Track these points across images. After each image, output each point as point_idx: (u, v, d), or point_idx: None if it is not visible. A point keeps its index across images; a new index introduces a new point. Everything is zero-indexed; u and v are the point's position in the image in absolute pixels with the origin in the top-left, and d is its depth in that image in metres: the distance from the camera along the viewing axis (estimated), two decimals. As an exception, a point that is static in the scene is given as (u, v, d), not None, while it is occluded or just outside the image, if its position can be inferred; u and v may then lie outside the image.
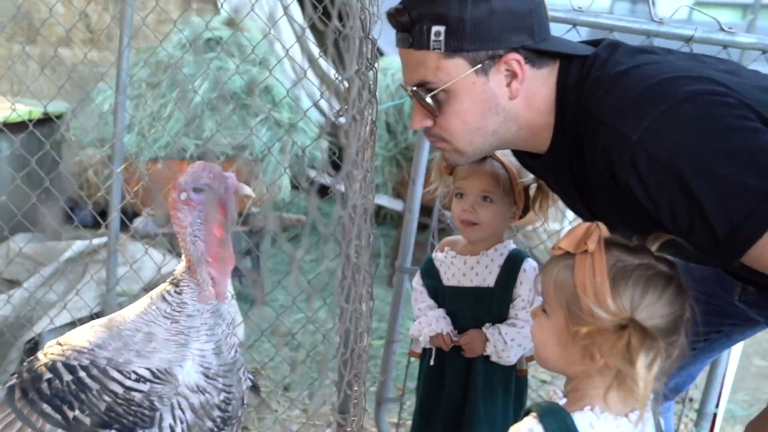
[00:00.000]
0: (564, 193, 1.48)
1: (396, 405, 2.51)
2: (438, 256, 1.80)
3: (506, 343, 1.68)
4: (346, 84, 1.12)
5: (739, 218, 1.12)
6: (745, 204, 1.11)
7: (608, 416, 1.11)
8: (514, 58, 1.29)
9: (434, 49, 1.28)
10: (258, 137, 3.15)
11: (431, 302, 1.78)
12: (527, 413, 1.14)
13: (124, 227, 2.53)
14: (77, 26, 4.51)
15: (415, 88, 1.33)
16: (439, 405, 1.76)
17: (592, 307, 1.06)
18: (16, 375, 1.43)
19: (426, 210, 2.60)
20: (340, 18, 1.06)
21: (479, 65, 1.28)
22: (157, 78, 3.27)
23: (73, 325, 2.27)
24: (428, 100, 1.32)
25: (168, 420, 1.32)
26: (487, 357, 1.70)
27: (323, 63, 4.34)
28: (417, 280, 1.82)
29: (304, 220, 3.45)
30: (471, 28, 1.26)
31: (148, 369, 1.33)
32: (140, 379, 1.32)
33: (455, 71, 1.29)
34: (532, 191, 1.71)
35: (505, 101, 1.32)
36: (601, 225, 1.11)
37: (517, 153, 1.54)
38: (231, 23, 3.69)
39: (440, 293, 1.77)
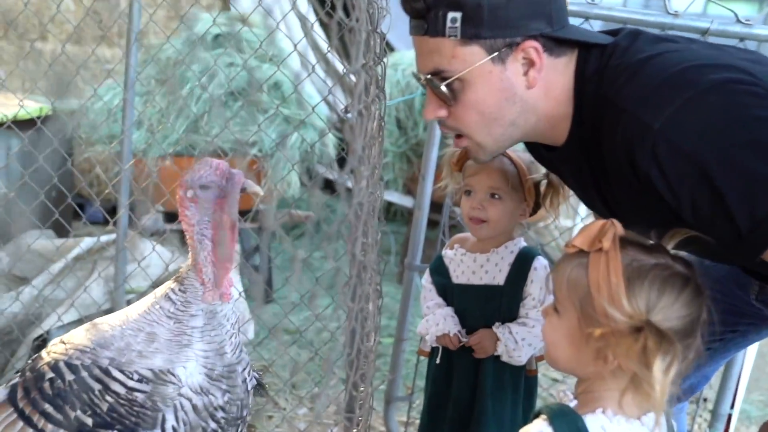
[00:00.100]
0: (580, 187, 1.44)
1: (405, 404, 2.49)
2: (447, 254, 1.77)
3: (517, 342, 1.65)
4: (353, 78, 1.10)
5: (763, 213, 1.08)
6: None
7: (621, 419, 1.08)
8: (532, 46, 1.25)
9: (450, 36, 1.24)
10: (266, 134, 3.13)
11: (440, 300, 1.75)
12: (537, 415, 1.12)
13: (134, 224, 2.52)
14: (88, 24, 4.51)
15: (429, 77, 1.29)
16: (447, 405, 1.74)
17: (606, 308, 1.03)
18: (19, 373, 1.42)
19: (437, 206, 2.57)
20: (347, 11, 1.04)
21: (496, 53, 1.25)
22: (165, 74, 3.26)
23: (80, 322, 2.26)
24: (443, 88, 1.28)
25: (171, 421, 1.30)
26: (497, 357, 1.67)
27: (332, 58, 4.31)
28: (426, 278, 1.80)
29: (313, 217, 3.43)
30: (488, 14, 1.22)
31: (151, 369, 1.32)
32: (143, 379, 1.31)
33: (471, 59, 1.25)
34: (542, 187, 1.68)
35: (522, 90, 1.28)
36: (616, 222, 1.08)
37: (532, 145, 1.50)
38: (240, 19, 3.67)
39: (449, 291, 1.75)
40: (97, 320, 1.43)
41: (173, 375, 1.32)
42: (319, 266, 3.68)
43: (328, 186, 4.42)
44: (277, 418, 2.55)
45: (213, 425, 1.36)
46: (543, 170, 1.67)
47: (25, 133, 2.47)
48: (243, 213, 2.64)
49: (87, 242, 2.74)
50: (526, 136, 1.37)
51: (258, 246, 3.31)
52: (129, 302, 2.32)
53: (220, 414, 1.37)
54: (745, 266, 1.39)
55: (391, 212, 4.59)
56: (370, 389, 1.42)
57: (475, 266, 1.71)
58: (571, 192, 1.67)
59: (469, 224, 1.69)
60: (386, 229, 4.31)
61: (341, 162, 3.57)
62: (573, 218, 3.69)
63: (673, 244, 1.10)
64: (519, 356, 1.66)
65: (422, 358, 1.92)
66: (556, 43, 1.27)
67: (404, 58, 4.24)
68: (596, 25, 1.86)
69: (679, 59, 1.19)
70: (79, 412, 1.30)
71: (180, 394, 1.32)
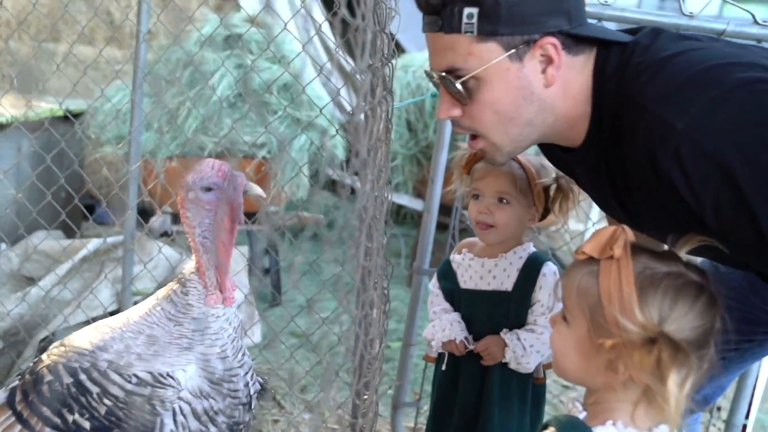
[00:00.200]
0: (596, 190, 1.39)
1: (413, 409, 2.46)
2: (455, 258, 1.74)
3: (525, 349, 1.62)
4: (359, 79, 1.07)
5: None
6: None
7: (632, 431, 1.04)
8: (551, 43, 1.21)
9: (466, 32, 1.20)
10: (274, 135, 3.11)
11: (447, 305, 1.73)
12: (545, 427, 1.08)
13: (141, 226, 2.51)
14: (100, 25, 4.52)
15: (443, 75, 1.25)
16: (453, 411, 1.71)
17: (618, 318, 0.99)
18: (19, 376, 1.41)
19: (447, 209, 2.54)
20: (352, 11, 1.01)
21: (513, 50, 1.21)
22: (175, 75, 3.25)
23: (87, 324, 2.26)
24: (458, 87, 1.24)
25: (170, 426, 1.28)
26: (504, 364, 1.64)
27: (342, 59, 4.29)
28: (434, 283, 1.77)
29: (322, 219, 3.41)
30: (505, 10, 1.19)
31: (150, 372, 1.30)
32: (141, 382, 1.29)
33: (488, 56, 1.21)
34: (551, 192, 1.65)
35: (540, 89, 1.24)
36: (627, 229, 1.04)
37: (547, 146, 1.46)
38: (249, 21, 3.66)
39: (456, 296, 1.72)
40: (99, 322, 1.41)
41: (172, 378, 1.30)
42: (328, 269, 3.65)
43: (338, 188, 4.40)
44: (283, 423, 2.53)
45: (213, 430, 1.34)
46: (553, 174, 1.63)
47: (36, 134, 2.46)
48: (251, 215, 2.62)
49: (94, 243, 2.74)
50: (543, 136, 1.32)
51: (266, 248, 3.29)
52: (136, 304, 2.31)
53: (221, 418, 1.35)
54: (764, 273, 1.35)
55: (401, 215, 4.57)
56: (375, 397, 1.39)
57: (483, 271, 1.68)
58: (583, 196, 1.63)
59: (477, 229, 1.66)
60: (396, 232, 4.29)
61: (349, 164, 3.55)
62: (585, 222, 3.65)
63: (686, 250, 1.06)
64: (527, 363, 1.63)
65: (430, 363, 1.89)
66: (575, 40, 1.23)
67: (415, 59, 4.22)
68: (609, 27, 1.83)
69: (704, 57, 1.15)
70: (76, 416, 1.28)
71: (179, 398, 1.30)
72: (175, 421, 1.29)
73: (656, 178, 1.14)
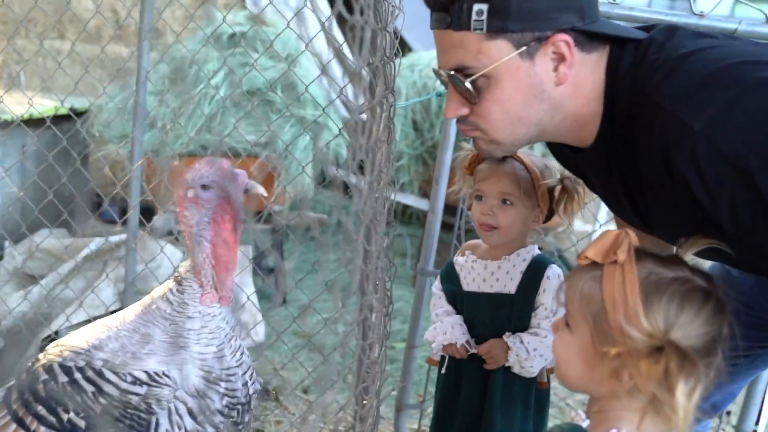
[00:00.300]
0: (606, 191, 1.36)
1: (416, 411, 2.44)
2: (458, 260, 1.72)
3: (529, 352, 1.59)
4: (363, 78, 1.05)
5: None
6: None
7: (637, 440, 1.02)
8: (563, 40, 1.17)
9: (475, 29, 1.17)
10: (279, 135, 3.09)
11: (449, 308, 1.70)
12: (547, 436, 1.06)
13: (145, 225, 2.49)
14: (107, 23, 4.51)
15: (452, 73, 1.22)
16: (455, 415, 1.68)
17: (623, 325, 0.96)
18: (16, 375, 1.40)
19: (453, 210, 2.52)
20: (350, 8, 0.99)
21: (524, 47, 1.17)
22: (179, 74, 3.24)
23: (89, 323, 2.25)
24: (467, 85, 1.20)
25: (165, 425, 1.27)
26: (506, 368, 1.61)
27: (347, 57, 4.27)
28: (436, 285, 1.75)
29: (326, 219, 3.39)
30: (516, 6, 1.15)
31: (145, 371, 1.28)
32: (136, 381, 1.28)
33: (498, 54, 1.18)
34: (556, 193, 1.62)
35: (551, 87, 1.20)
36: (631, 233, 1.01)
37: (555, 146, 1.42)
38: (256, 19, 3.64)
39: (459, 299, 1.70)
40: (96, 321, 1.40)
41: (168, 377, 1.29)
42: (334, 269, 3.63)
43: (346, 187, 4.38)
44: (285, 424, 2.51)
45: (211, 430, 1.32)
46: (557, 175, 1.60)
47: (38, 132, 2.45)
48: (256, 214, 2.60)
49: (97, 242, 2.73)
50: (549, 135, 1.29)
51: (271, 248, 3.27)
52: (138, 303, 2.30)
53: (218, 418, 1.33)
54: None
55: (406, 215, 4.55)
56: (375, 402, 1.37)
57: (486, 274, 1.66)
58: (590, 197, 1.60)
59: (480, 230, 1.64)
60: (401, 232, 4.27)
61: (344, 164, 3.53)
62: (593, 223, 3.61)
63: (691, 252, 1.03)
64: (531, 367, 1.60)
65: (433, 366, 1.87)
66: (588, 37, 1.20)
67: (421, 58, 4.19)
68: (617, 25, 1.79)
69: (722, 55, 1.11)
70: (72, 414, 1.27)
71: (175, 397, 1.28)
72: (170, 420, 1.28)
73: (670, 178, 1.11)
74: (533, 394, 1.65)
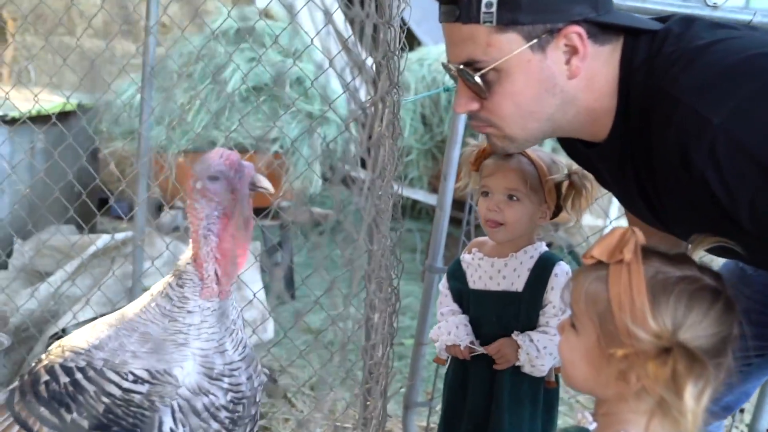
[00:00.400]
0: (620, 186, 1.32)
1: (426, 409, 2.42)
2: (465, 258, 1.69)
3: (539, 351, 1.56)
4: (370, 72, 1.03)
5: None
6: None
7: (644, 442, 0.99)
8: (575, 31, 1.14)
9: (485, 22, 1.14)
10: (285, 130, 3.07)
11: (455, 307, 1.68)
12: (553, 439, 1.03)
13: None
14: (115, 18, 4.51)
15: (461, 67, 1.19)
16: (462, 415, 1.66)
17: (629, 326, 0.94)
18: (19, 377, 1.39)
19: (462, 204, 2.49)
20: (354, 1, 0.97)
21: (535, 40, 1.14)
22: (187, 69, 3.23)
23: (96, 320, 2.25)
24: (477, 80, 1.17)
25: (168, 423, 1.26)
26: (514, 368, 1.58)
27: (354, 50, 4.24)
28: (443, 283, 1.73)
29: (333, 215, 3.37)
30: None
31: (147, 370, 1.27)
32: (138, 380, 1.27)
33: (508, 47, 1.15)
34: (563, 188, 1.58)
35: (563, 81, 1.17)
36: (638, 231, 0.98)
37: (567, 141, 1.39)
38: (265, 13, 3.62)
39: (465, 297, 1.67)
40: (97, 320, 1.39)
41: (170, 375, 1.27)
42: (340, 265, 3.62)
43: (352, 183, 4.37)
44: (293, 421, 2.50)
45: (216, 426, 1.31)
46: (565, 170, 1.57)
47: (44, 128, 2.45)
48: (263, 210, 2.59)
49: (104, 239, 2.72)
50: (562, 130, 1.26)
51: (279, 243, 3.26)
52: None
53: (223, 414, 1.31)
54: None
55: (416, 210, 4.52)
56: (381, 402, 1.35)
57: (493, 271, 1.63)
58: (600, 192, 1.57)
59: (486, 227, 1.61)
60: (411, 227, 4.24)
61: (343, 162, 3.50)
62: (604, 218, 3.57)
63: (700, 250, 1.00)
64: (542, 365, 1.57)
65: (441, 365, 1.84)
66: (601, 29, 1.16)
67: (430, 52, 4.16)
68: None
69: (743, 46, 1.08)
70: (75, 415, 1.26)
71: (178, 395, 1.27)
72: (174, 418, 1.27)
73: (687, 174, 1.08)
74: (541, 393, 1.62)
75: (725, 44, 1.09)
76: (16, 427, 1.32)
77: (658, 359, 0.93)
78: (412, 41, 4.58)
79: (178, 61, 3.33)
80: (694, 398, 0.92)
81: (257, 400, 1.40)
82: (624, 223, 1.60)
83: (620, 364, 0.96)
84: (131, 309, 1.36)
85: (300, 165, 3.12)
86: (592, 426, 1.05)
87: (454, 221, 2.35)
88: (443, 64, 1.28)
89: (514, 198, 1.57)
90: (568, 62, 1.17)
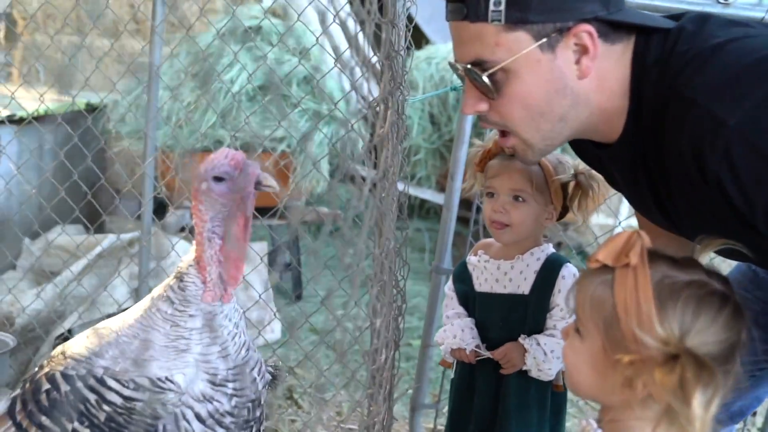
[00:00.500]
0: (631, 188, 1.30)
1: (433, 411, 2.41)
2: (471, 260, 1.67)
3: (546, 354, 1.54)
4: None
5: None
6: None
7: (650, 450, 0.97)
8: (586, 30, 1.12)
9: (493, 20, 1.12)
10: (290, 130, 3.06)
11: (460, 310, 1.66)
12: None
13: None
14: (125, 18, 4.52)
15: (469, 67, 1.16)
16: (469, 419, 1.64)
17: (636, 332, 0.92)
18: (20, 385, 1.38)
19: (469, 204, 2.47)
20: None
21: (545, 39, 1.12)
22: (196, 68, 3.22)
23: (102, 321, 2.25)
24: (485, 80, 1.15)
25: (172, 431, 1.24)
26: (521, 372, 1.56)
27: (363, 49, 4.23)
28: (449, 285, 1.71)
29: (341, 215, 3.36)
30: None
31: (148, 378, 1.26)
32: (139, 388, 1.25)
33: (517, 47, 1.12)
34: (570, 189, 1.56)
35: (573, 81, 1.15)
36: (644, 234, 0.96)
37: (578, 142, 1.36)
38: (274, 12, 3.61)
39: (471, 300, 1.65)
40: (98, 325, 1.38)
41: (172, 382, 1.26)
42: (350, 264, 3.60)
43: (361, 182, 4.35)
44: (300, 422, 2.49)
45: (221, 431, 1.30)
46: (571, 170, 1.55)
47: (51, 127, 2.45)
48: (270, 209, 2.58)
49: (110, 240, 2.72)
50: (577, 132, 1.23)
51: (286, 243, 3.25)
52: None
53: (228, 420, 1.30)
54: None
55: (424, 209, 4.50)
56: (384, 407, 1.33)
57: (499, 274, 1.61)
58: (609, 193, 1.55)
59: (492, 228, 1.59)
60: (420, 227, 4.22)
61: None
62: (614, 217, 3.54)
63: (707, 253, 0.98)
64: (549, 369, 1.55)
65: (448, 369, 1.82)
66: (612, 27, 1.14)
67: (439, 51, 4.14)
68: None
69: (760, 45, 1.05)
70: (76, 424, 1.25)
71: (182, 403, 1.25)
72: (177, 426, 1.25)
73: (701, 176, 1.06)
74: (549, 397, 1.60)
75: (740, 43, 1.06)
76: (17, 437, 1.31)
77: (666, 366, 0.91)
78: (420, 39, 4.55)
79: (186, 60, 3.32)
80: (702, 406, 0.90)
81: (262, 401, 1.39)
82: (634, 222, 1.58)
83: (626, 371, 0.94)
84: (132, 313, 1.35)
85: (307, 164, 3.11)
86: (598, 433, 1.03)
87: (463, 221, 2.33)
88: (450, 64, 1.26)
89: (520, 199, 1.55)
90: (578, 62, 1.14)
